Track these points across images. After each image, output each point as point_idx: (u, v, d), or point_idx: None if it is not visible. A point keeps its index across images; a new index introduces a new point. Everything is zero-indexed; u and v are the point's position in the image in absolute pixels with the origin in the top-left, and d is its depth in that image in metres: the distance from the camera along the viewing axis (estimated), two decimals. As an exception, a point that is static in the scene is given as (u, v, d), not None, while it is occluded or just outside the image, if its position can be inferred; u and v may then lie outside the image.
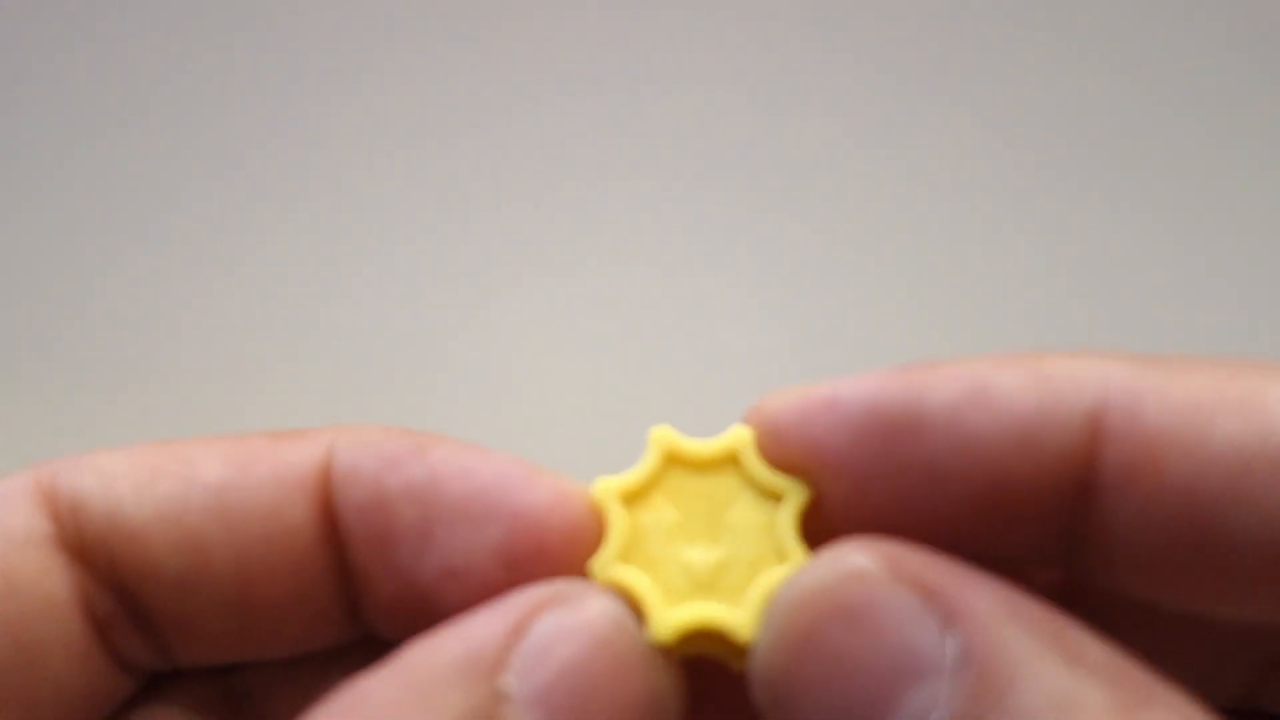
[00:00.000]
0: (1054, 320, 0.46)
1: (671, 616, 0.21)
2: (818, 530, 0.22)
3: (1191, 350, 0.22)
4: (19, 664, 0.23)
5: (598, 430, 0.34)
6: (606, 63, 0.46)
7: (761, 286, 0.45)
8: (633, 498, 0.23)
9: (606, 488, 0.23)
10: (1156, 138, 0.47)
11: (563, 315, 0.44)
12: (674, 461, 0.23)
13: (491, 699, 0.20)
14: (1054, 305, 0.46)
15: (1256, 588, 0.21)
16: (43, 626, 0.23)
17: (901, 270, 0.45)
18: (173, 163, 0.45)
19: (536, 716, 0.20)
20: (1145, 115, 0.47)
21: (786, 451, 0.22)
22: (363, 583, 0.25)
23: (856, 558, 0.20)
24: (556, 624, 0.21)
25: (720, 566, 0.22)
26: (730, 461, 0.23)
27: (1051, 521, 0.22)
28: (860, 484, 0.22)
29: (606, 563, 0.22)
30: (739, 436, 0.23)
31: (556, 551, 0.23)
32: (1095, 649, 0.20)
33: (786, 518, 0.22)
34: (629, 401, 0.42)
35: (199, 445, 0.25)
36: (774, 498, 0.23)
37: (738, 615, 0.21)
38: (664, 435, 0.23)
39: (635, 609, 0.22)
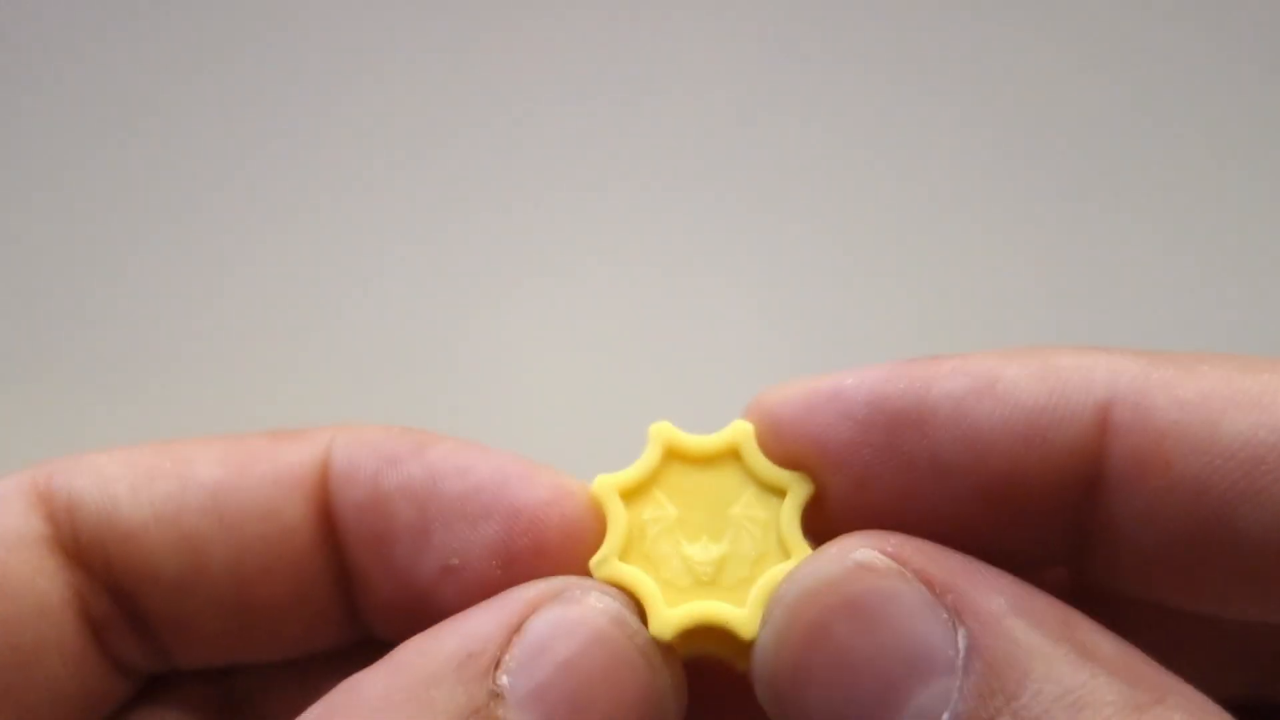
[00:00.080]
0: (1053, 321, 0.45)
1: (672, 614, 0.21)
2: (821, 525, 0.22)
3: (1195, 349, 0.22)
4: (13, 666, 0.23)
5: (598, 426, 0.34)
6: (606, 66, 0.46)
7: (760, 284, 0.45)
8: (633, 494, 0.22)
9: (606, 484, 0.22)
10: (1156, 136, 0.47)
11: (562, 312, 0.44)
12: (674, 457, 0.23)
13: (487, 697, 0.19)
14: (1053, 305, 0.46)
15: (1267, 585, 0.20)
16: (37, 629, 0.23)
17: (899, 269, 0.45)
18: (173, 165, 0.45)
19: (533, 715, 0.19)
20: (1144, 115, 0.47)
21: (789, 445, 0.22)
22: (361, 582, 0.25)
23: (862, 551, 0.20)
24: (554, 621, 0.20)
25: (722, 562, 0.22)
26: (731, 456, 0.23)
27: (1058, 517, 0.22)
28: (864, 478, 0.22)
29: (606, 559, 0.22)
30: (740, 430, 0.23)
31: (555, 548, 0.22)
32: (1106, 644, 0.19)
33: (789, 512, 0.22)
34: (629, 398, 0.42)
35: (196, 445, 0.25)
36: (776, 492, 0.22)
37: (740, 612, 0.21)
38: (664, 430, 0.23)
39: (636, 606, 0.21)
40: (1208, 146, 0.48)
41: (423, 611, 0.23)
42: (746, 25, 0.47)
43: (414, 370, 0.44)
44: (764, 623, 0.21)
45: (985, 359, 0.22)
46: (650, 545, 0.22)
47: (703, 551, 0.22)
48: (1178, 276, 0.46)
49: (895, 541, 0.20)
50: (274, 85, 0.46)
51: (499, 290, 0.45)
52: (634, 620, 0.21)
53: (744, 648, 0.21)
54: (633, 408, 0.38)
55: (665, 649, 0.21)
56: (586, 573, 0.22)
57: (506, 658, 0.20)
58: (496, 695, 0.19)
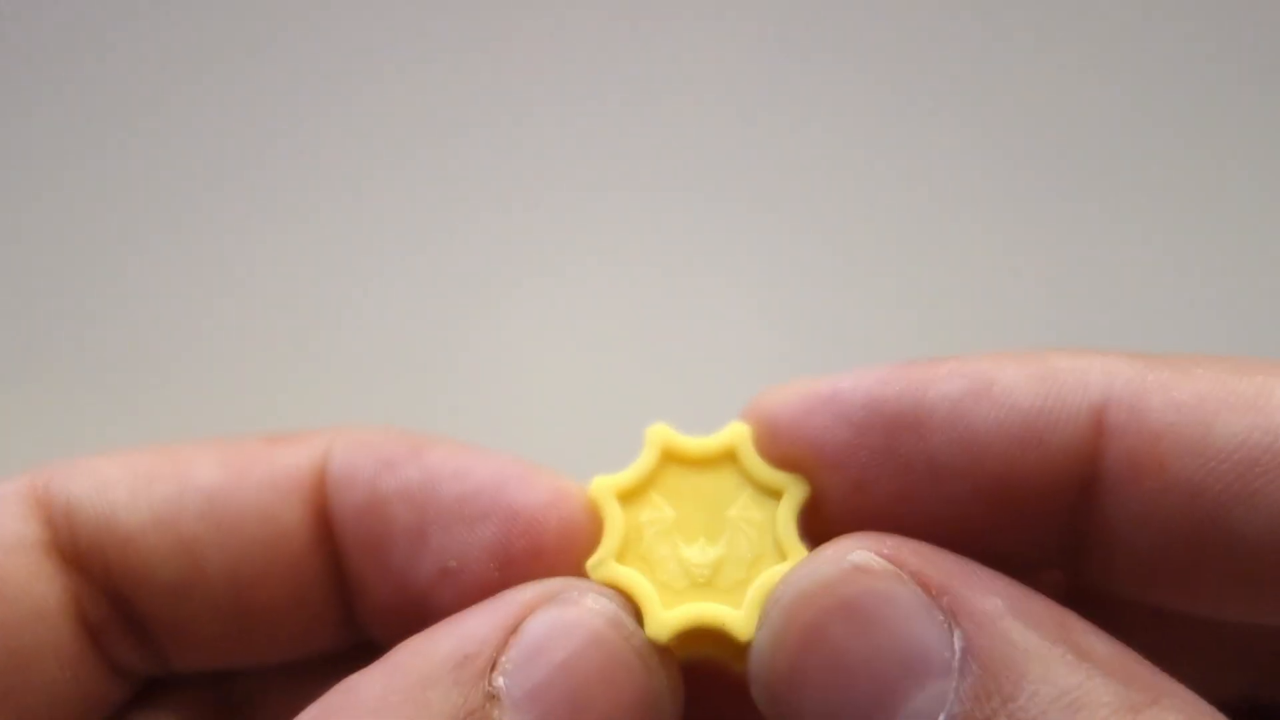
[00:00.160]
0: (1054, 322, 0.45)
1: (669, 615, 0.21)
2: (818, 527, 0.22)
3: (1195, 351, 0.22)
4: (11, 669, 0.23)
5: (595, 429, 0.34)
6: (604, 67, 0.46)
7: (759, 286, 0.45)
8: (630, 496, 0.22)
9: (603, 486, 0.22)
10: (1155, 139, 0.47)
11: (560, 313, 0.44)
12: (671, 459, 0.23)
13: (483, 698, 0.19)
14: (1053, 307, 0.46)
15: (1262, 587, 0.20)
16: (35, 632, 0.23)
17: (897, 271, 0.45)
18: (172, 165, 0.45)
19: (529, 716, 0.19)
20: (1142, 117, 0.47)
21: (786, 447, 0.22)
22: (358, 585, 0.25)
23: (859, 553, 0.20)
24: (550, 622, 0.20)
25: (719, 564, 0.22)
26: (728, 458, 0.23)
27: (1055, 519, 0.22)
28: (861, 480, 0.22)
29: (603, 561, 0.22)
30: (737, 433, 0.23)
31: (552, 550, 0.22)
32: (1102, 645, 0.19)
33: (786, 514, 0.22)
34: (627, 399, 0.42)
35: (194, 449, 0.25)
36: (773, 494, 0.22)
37: (736, 613, 0.21)
38: (661, 432, 0.23)
39: (632, 608, 0.21)
40: (1207, 148, 0.48)
41: (420, 614, 0.23)
42: (746, 26, 0.47)
43: (412, 371, 0.44)
44: (760, 624, 0.21)
45: (981, 362, 0.22)
46: (647, 547, 0.22)
47: (699, 553, 0.22)
48: (1177, 279, 0.46)
49: (891, 543, 0.20)
50: (273, 87, 0.46)
51: (496, 291, 0.45)
52: (630, 622, 0.21)
53: (740, 649, 0.21)
54: (630, 409, 0.38)
55: (662, 650, 0.21)
56: (584, 574, 0.22)
57: (503, 659, 0.20)
58: (492, 696, 0.19)
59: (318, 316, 0.45)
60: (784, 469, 0.22)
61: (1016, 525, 0.22)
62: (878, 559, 0.20)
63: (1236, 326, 0.45)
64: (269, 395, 0.44)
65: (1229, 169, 0.47)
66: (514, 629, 0.20)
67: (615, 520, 0.22)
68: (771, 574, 0.21)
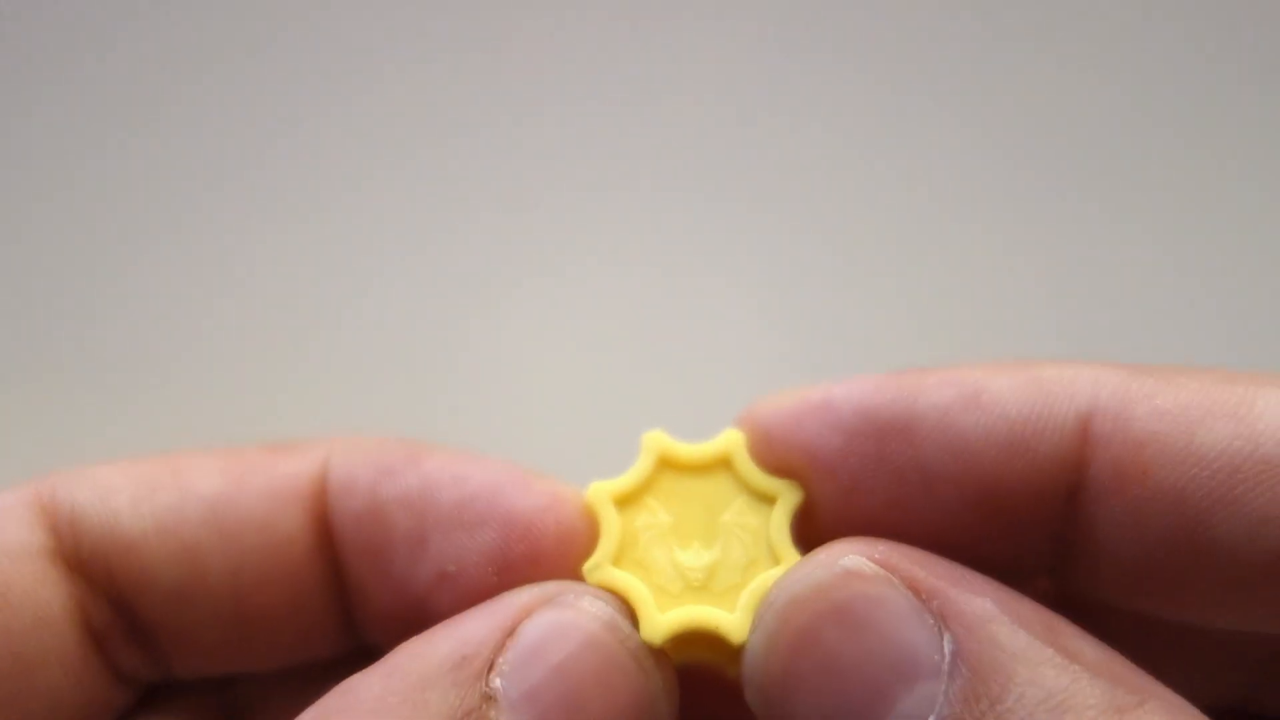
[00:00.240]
0: (1052, 327, 0.45)
1: (664, 618, 0.22)
2: (811, 533, 0.23)
3: (1183, 362, 0.22)
4: (15, 675, 0.23)
5: (591, 434, 0.34)
6: (605, 67, 0.46)
7: (755, 291, 0.45)
8: (626, 501, 0.23)
9: (599, 491, 0.23)
10: (1154, 140, 0.47)
11: (556, 319, 0.44)
12: (667, 465, 0.23)
13: (480, 699, 0.20)
14: (1051, 309, 0.46)
15: (1246, 594, 0.21)
16: (38, 639, 0.24)
17: (895, 276, 0.45)
18: (173, 168, 0.45)
19: (525, 717, 0.20)
20: (1141, 118, 0.47)
21: (779, 454, 0.23)
22: (358, 592, 0.25)
23: (851, 557, 0.20)
24: (547, 625, 0.21)
25: (713, 569, 0.22)
26: (723, 464, 0.23)
27: (1042, 526, 0.22)
28: (853, 487, 0.22)
29: (599, 565, 0.22)
30: (731, 439, 0.23)
31: (550, 555, 0.23)
32: (1089, 648, 0.19)
33: (779, 520, 0.22)
34: (622, 406, 0.41)
35: (196, 458, 0.25)
36: (767, 500, 0.23)
37: (731, 617, 0.22)
38: (657, 439, 0.23)
39: (628, 611, 0.22)
40: (1207, 149, 0.47)
41: (419, 619, 0.23)
42: (746, 26, 0.47)
43: (411, 373, 0.44)
44: (754, 628, 0.21)
45: (972, 371, 0.22)
46: (643, 551, 0.22)
47: (694, 558, 0.22)
48: (1177, 280, 0.46)
49: (883, 548, 0.20)
50: (273, 87, 0.46)
51: (494, 293, 0.45)
52: (626, 625, 0.21)
53: (734, 653, 0.21)
54: (628, 413, 0.38)
55: (657, 653, 0.21)
56: (580, 578, 0.22)
57: (500, 661, 0.20)
58: (489, 697, 0.20)
59: (317, 316, 0.45)
60: (778, 475, 0.23)
61: (1005, 531, 0.22)
62: (869, 564, 0.20)
63: (1236, 327, 0.45)
64: (269, 396, 0.44)
65: (1229, 170, 0.47)
66: (511, 631, 0.20)
67: (611, 525, 0.23)
68: (765, 578, 0.22)
